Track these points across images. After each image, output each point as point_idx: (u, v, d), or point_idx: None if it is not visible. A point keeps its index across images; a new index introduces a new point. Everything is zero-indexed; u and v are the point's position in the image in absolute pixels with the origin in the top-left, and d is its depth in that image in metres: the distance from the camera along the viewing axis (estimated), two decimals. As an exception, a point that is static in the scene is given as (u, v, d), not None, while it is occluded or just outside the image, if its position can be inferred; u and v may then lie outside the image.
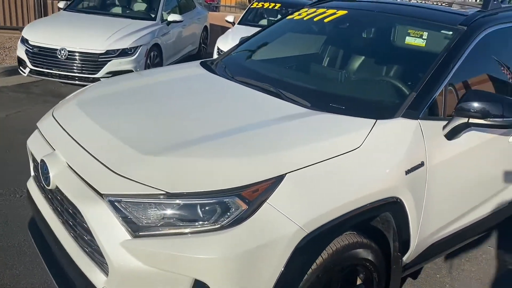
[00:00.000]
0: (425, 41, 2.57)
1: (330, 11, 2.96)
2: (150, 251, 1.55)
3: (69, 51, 5.88)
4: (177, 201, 1.56)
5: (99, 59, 5.93)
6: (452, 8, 2.86)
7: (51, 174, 1.84)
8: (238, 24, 7.88)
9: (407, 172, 1.96)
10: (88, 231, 1.68)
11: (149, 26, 6.70)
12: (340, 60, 2.89)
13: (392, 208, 1.95)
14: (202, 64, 2.96)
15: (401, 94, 2.25)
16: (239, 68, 2.86)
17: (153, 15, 7.17)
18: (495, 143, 2.43)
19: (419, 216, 2.10)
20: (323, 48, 3.07)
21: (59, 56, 5.87)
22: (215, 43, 11.06)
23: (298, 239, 1.60)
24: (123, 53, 6.06)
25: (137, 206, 1.59)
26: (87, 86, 2.64)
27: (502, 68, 2.65)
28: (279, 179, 1.62)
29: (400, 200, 1.95)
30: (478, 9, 2.62)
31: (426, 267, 2.95)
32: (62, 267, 1.99)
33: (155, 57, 6.73)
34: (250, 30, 7.39)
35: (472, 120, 2.09)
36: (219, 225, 1.55)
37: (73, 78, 5.98)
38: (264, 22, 8.22)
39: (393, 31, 2.82)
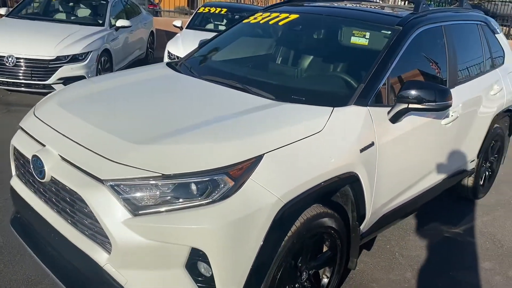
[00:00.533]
0: (368, 40, 2.96)
1: (283, 15, 3.28)
2: (150, 226, 1.77)
3: (16, 58, 5.79)
4: (173, 181, 1.79)
5: (50, 66, 5.89)
6: (389, 11, 3.28)
7: (46, 167, 1.99)
8: (186, 28, 8.05)
9: (361, 150, 2.30)
10: (89, 215, 1.86)
11: (98, 32, 6.72)
12: (297, 58, 3.22)
13: (350, 182, 2.28)
14: (168, 65, 3.17)
15: (352, 86, 2.61)
16: (204, 68, 3.11)
17: (101, 21, 7.18)
18: (431, 125, 2.85)
19: (372, 189, 2.46)
20: (280, 48, 3.39)
21: (7, 64, 5.77)
22: (161, 47, 11.14)
23: (277, 208, 1.87)
24: (74, 59, 6.06)
25: (135, 188, 1.80)
26: (65, 87, 2.78)
27: (432, 61, 3.09)
28: (258, 158, 1.89)
29: (357, 174, 2.29)
30: (410, 11, 3.04)
31: (378, 239, 3.34)
32: (55, 256, 2.14)
33: (105, 62, 6.75)
34: (198, 34, 7.63)
35: (411, 106, 2.47)
36: (210, 200, 1.79)
37: (22, 85, 5.90)
38: (210, 26, 8.46)
39: (340, 32, 3.19)
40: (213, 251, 1.78)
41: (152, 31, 9.55)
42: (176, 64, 3.21)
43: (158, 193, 1.80)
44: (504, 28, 16.74)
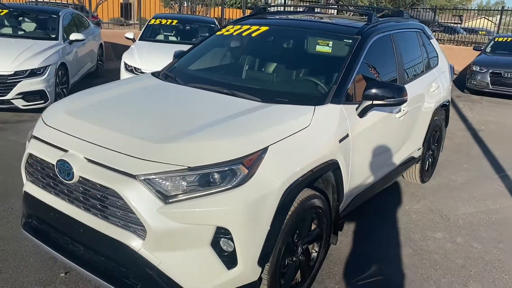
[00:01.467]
0: (331, 48, 3.43)
1: (254, 28, 3.67)
2: (180, 212, 2.07)
3: (-27, 74, 5.72)
4: (197, 172, 2.11)
5: (8, 81, 5.88)
6: (347, 22, 3.79)
7: (74, 169, 2.22)
8: (138, 40, 8.22)
9: (340, 141, 2.75)
10: (121, 207, 2.12)
11: (54, 46, 6.75)
12: (272, 65, 3.61)
13: (332, 167, 2.71)
14: (153, 74, 3.45)
15: (326, 87, 3.05)
16: (189, 77, 3.41)
17: (53, 35, 7.19)
18: (388, 119, 3.37)
19: (348, 173, 2.90)
20: (255, 57, 3.77)
21: (-38, 80, 5.68)
22: (108, 59, 11.14)
23: (282, 190, 2.25)
24: (32, 73, 6.07)
25: (165, 180, 2.09)
26: (67, 98, 2.98)
27: (385, 64, 3.62)
28: (264, 150, 2.26)
29: (337, 161, 2.72)
30: (365, 22, 3.56)
31: (346, 221, 3.81)
32: (79, 251, 2.37)
33: (62, 75, 6.78)
34: (152, 45, 7.88)
35: (375, 102, 2.95)
36: (230, 186, 2.13)
37: (-21, 101, 5.82)
38: (161, 37, 8.68)
39: (306, 41, 3.63)
40: (236, 227, 2.12)
41: (101, 44, 9.59)
42: (159, 74, 3.49)
43: (185, 183, 2.10)
44: (428, 32, 18.26)
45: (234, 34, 3.75)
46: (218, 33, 3.91)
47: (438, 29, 19.79)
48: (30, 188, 2.55)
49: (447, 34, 18.45)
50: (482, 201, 4.51)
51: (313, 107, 2.72)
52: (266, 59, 3.70)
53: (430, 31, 4.84)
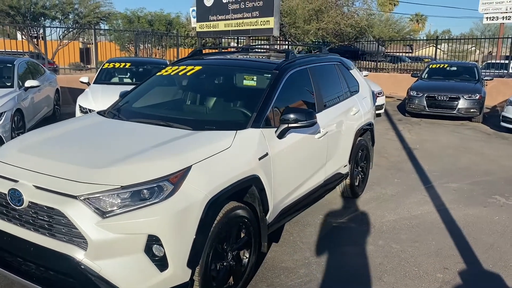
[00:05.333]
0: (256, 81, 3.97)
1: (189, 67, 4.19)
2: (116, 224, 2.46)
3: None
4: (129, 190, 2.52)
5: (-35, 128, 6.12)
6: (269, 59, 4.36)
7: (24, 196, 2.58)
8: (93, 83, 8.61)
9: (260, 159, 3.22)
10: (65, 225, 2.49)
11: (9, 93, 7.06)
12: (204, 99, 4.12)
13: (254, 182, 3.17)
14: (99, 113, 3.87)
15: (247, 115, 3.54)
16: (130, 113, 3.85)
17: (9, 83, 7.50)
18: (308, 139, 3.89)
19: (271, 187, 3.37)
20: (190, 92, 4.26)
21: None
22: (65, 103, 11.40)
23: (205, 201, 2.68)
24: (-11, 119, 6.34)
25: (101, 198, 2.49)
26: (17, 138, 3.35)
27: (302, 93, 4.19)
28: (188, 168, 2.70)
29: (258, 176, 3.19)
30: (283, 59, 4.13)
31: (283, 234, 4.25)
32: (32, 269, 2.69)
33: (18, 121, 7.06)
34: (106, 88, 8.29)
35: (290, 125, 3.47)
36: (158, 200, 2.54)
37: None
38: (116, 79, 9.12)
39: (234, 77, 4.17)
40: (164, 235, 2.52)
41: (57, 89, 9.92)
42: (104, 113, 3.91)
43: (119, 200, 2.51)
44: (373, 62, 19.55)
45: (172, 74, 4.25)
46: (158, 73, 4.40)
47: (384, 59, 21.18)
48: (-15, 217, 2.87)
49: (392, 64, 19.79)
50: (406, 209, 5.07)
51: (235, 131, 3.20)
52: (199, 93, 4.21)
53: (350, 63, 5.51)
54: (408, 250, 4.04)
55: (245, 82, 4.03)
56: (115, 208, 2.50)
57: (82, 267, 2.47)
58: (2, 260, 2.83)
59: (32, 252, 2.64)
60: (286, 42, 19.00)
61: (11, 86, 7.41)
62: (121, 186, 2.52)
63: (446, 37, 24.22)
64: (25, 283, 2.70)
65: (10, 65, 7.88)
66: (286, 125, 3.46)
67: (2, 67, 7.97)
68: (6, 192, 2.67)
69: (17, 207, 2.64)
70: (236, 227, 3.12)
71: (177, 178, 2.64)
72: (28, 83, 7.59)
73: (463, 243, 4.20)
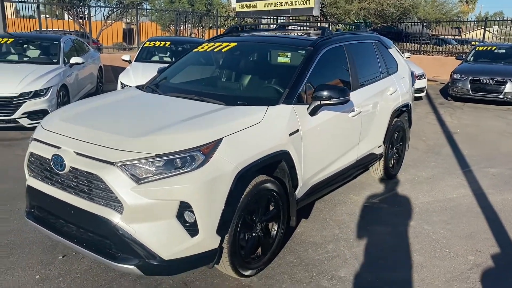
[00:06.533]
0: (290, 58, 3.98)
1: (225, 44, 4.25)
2: (150, 189, 2.58)
3: (-18, 97, 6.33)
4: (163, 158, 2.63)
5: (14, 102, 6.48)
6: (304, 36, 4.35)
7: (66, 161, 2.75)
8: (134, 61, 8.85)
9: (290, 134, 3.26)
10: (103, 189, 2.64)
11: (55, 69, 7.39)
12: (238, 75, 4.18)
13: (284, 157, 3.22)
14: (137, 87, 4.02)
15: (280, 91, 3.57)
16: (167, 88, 3.97)
17: (55, 60, 7.84)
18: (340, 117, 3.88)
19: (301, 163, 3.41)
20: (225, 69, 4.34)
21: (-28, 103, 6.29)
22: (108, 81, 11.78)
23: (235, 172, 2.76)
24: (36, 94, 6.69)
25: (137, 165, 2.62)
26: (60, 109, 3.54)
27: (336, 71, 4.16)
28: (219, 140, 2.78)
29: (288, 151, 3.23)
30: (319, 35, 4.11)
31: (312, 211, 4.30)
32: (73, 231, 2.88)
33: (63, 96, 7.40)
34: (146, 66, 8.48)
35: (322, 102, 3.47)
36: (190, 169, 2.64)
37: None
38: (156, 58, 9.33)
39: (269, 54, 4.20)
40: (195, 202, 2.63)
41: (100, 67, 10.25)
42: (143, 87, 4.05)
43: (153, 167, 2.63)
44: (416, 44, 18.94)
45: (207, 50, 4.33)
46: (195, 50, 4.48)
47: (428, 41, 20.43)
48: (32, 181, 3.08)
49: (437, 46, 19.08)
50: (441, 192, 4.98)
51: (267, 107, 3.25)
52: (233, 70, 4.27)
53: (389, 42, 5.39)
54: (440, 231, 3.99)
55: (280, 59, 4.04)
56: (150, 175, 2.62)
57: (118, 229, 2.62)
58: (47, 222, 3.05)
59: (73, 214, 2.82)
60: (327, 22, 18.66)
61: (57, 63, 7.74)
62: (156, 155, 2.63)
63: (497, 19, 23.04)
64: (67, 243, 2.89)
65: (57, 43, 8.23)
66: (318, 102, 3.47)
67: (48, 44, 8.33)
68: (50, 158, 2.85)
69: (59, 172, 2.81)
70: (265, 199, 3.19)
71: (209, 149, 2.73)
72: (73, 60, 7.91)
73: (498, 227, 4.11)
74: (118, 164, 2.62)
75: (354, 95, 3.98)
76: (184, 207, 2.64)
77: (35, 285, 3.00)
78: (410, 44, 19.48)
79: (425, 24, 20.08)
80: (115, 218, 2.63)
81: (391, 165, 5.24)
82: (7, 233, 3.68)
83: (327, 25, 17.32)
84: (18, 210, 4.09)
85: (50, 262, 3.29)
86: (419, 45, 18.67)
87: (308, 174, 3.58)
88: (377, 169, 5.12)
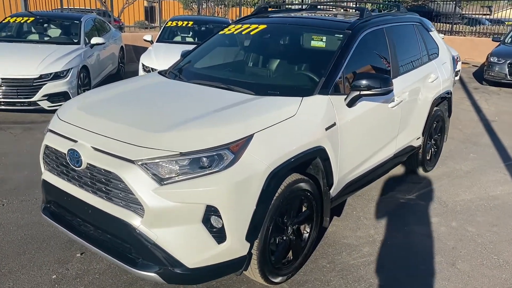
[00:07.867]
0: (325, 43, 3.63)
1: (253, 26, 3.92)
2: (174, 192, 2.33)
3: (2, 79, 6.17)
4: (188, 157, 2.36)
5: (34, 83, 6.31)
6: (340, 18, 3.98)
7: (83, 157, 2.51)
8: (156, 42, 8.57)
9: (326, 129, 2.95)
10: (123, 189, 2.40)
11: (76, 50, 7.17)
12: (269, 61, 3.85)
13: (319, 153, 2.92)
14: (160, 73, 3.74)
15: (315, 80, 3.25)
16: (191, 74, 3.69)
17: (76, 40, 7.62)
18: (380, 108, 3.54)
19: (337, 160, 3.10)
20: (254, 53, 4.01)
21: (-8, 85, 6.13)
22: (129, 61, 11.56)
23: (267, 173, 2.48)
24: (56, 76, 6.49)
25: (160, 164, 2.36)
26: (79, 96, 3.30)
27: (377, 57, 3.80)
28: (250, 137, 2.49)
29: (324, 148, 2.93)
30: (357, 17, 3.74)
31: (345, 208, 4.00)
32: (90, 231, 2.67)
33: (84, 77, 7.19)
34: (168, 47, 8.18)
35: (362, 92, 3.14)
36: (218, 169, 2.37)
37: (9, 103, 6.28)
38: (178, 38, 9.03)
39: (301, 37, 3.85)
40: (223, 206, 2.36)
41: (122, 47, 10.01)
42: (165, 73, 3.78)
43: (177, 167, 2.36)
44: (448, 25, 18.09)
45: (235, 33, 4.01)
46: (221, 32, 4.16)
47: (460, 21, 19.49)
48: (47, 176, 2.87)
49: (469, 26, 18.19)
50: (483, 189, 4.61)
51: (301, 98, 2.93)
52: (263, 55, 3.94)
53: (430, 24, 4.96)
54: (485, 234, 3.65)
55: (313, 43, 3.69)
56: (173, 175, 2.36)
57: (139, 234, 2.39)
58: (63, 219, 2.84)
59: (91, 214, 2.60)
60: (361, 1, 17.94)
61: (78, 43, 7.52)
62: (180, 153, 2.37)
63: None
64: (83, 243, 2.68)
65: (77, 22, 8.00)
66: (357, 92, 3.14)
67: (69, 24, 8.11)
68: (66, 152, 2.62)
69: (76, 168, 2.58)
70: (298, 200, 2.91)
71: (238, 147, 2.45)
72: (94, 40, 7.68)
73: (550, 231, 3.75)
74: (139, 163, 2.37)
75: (394, 83, 3.58)
76: (210, 211, 2.38)
77: (51, 287, 2.82)
78: (442, 24, 18.61)
79: (457, 2, 19.13)
80: (136, 222, 2.39)
81: (428, 157, 4.88)
82: (23, 227, 3.51)
83: (354, 4, 16.63)
84: (36, 201, 3.92)
85: (67, 260, 3.10)
86: (450, 25, 17.81)
87: (344, 171, 3.27)
88: (414, 162, 4.76)
